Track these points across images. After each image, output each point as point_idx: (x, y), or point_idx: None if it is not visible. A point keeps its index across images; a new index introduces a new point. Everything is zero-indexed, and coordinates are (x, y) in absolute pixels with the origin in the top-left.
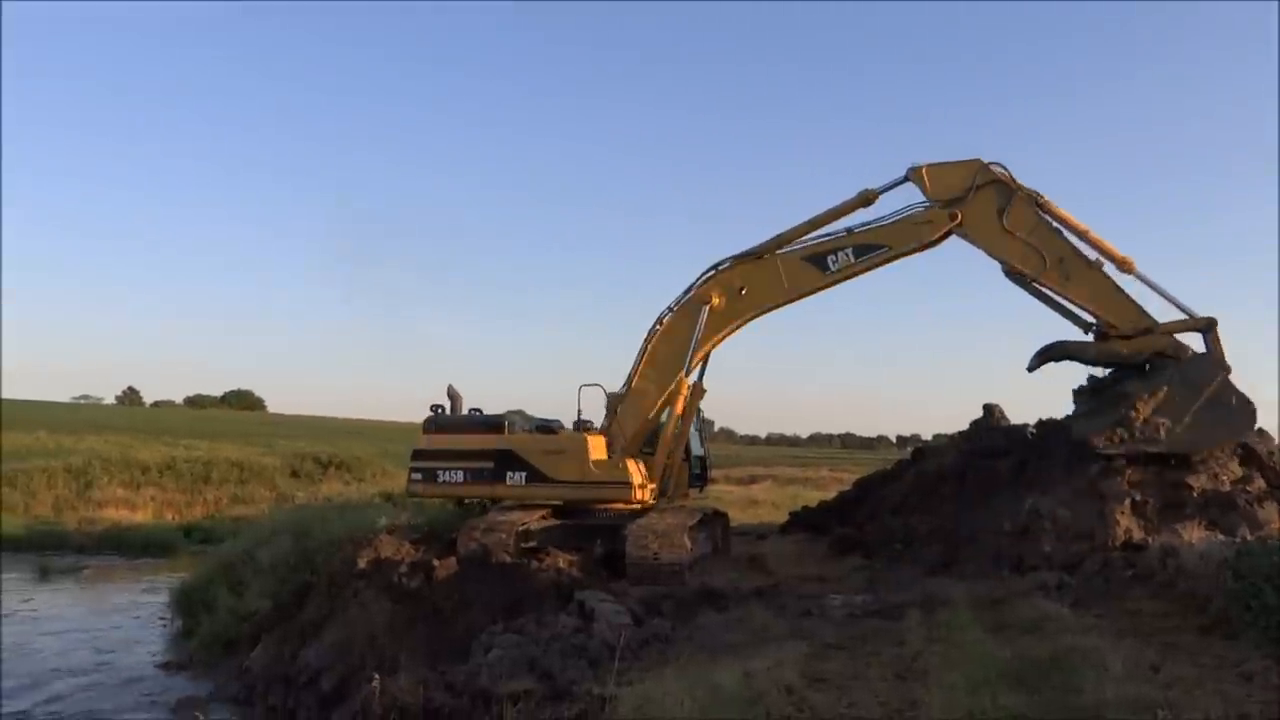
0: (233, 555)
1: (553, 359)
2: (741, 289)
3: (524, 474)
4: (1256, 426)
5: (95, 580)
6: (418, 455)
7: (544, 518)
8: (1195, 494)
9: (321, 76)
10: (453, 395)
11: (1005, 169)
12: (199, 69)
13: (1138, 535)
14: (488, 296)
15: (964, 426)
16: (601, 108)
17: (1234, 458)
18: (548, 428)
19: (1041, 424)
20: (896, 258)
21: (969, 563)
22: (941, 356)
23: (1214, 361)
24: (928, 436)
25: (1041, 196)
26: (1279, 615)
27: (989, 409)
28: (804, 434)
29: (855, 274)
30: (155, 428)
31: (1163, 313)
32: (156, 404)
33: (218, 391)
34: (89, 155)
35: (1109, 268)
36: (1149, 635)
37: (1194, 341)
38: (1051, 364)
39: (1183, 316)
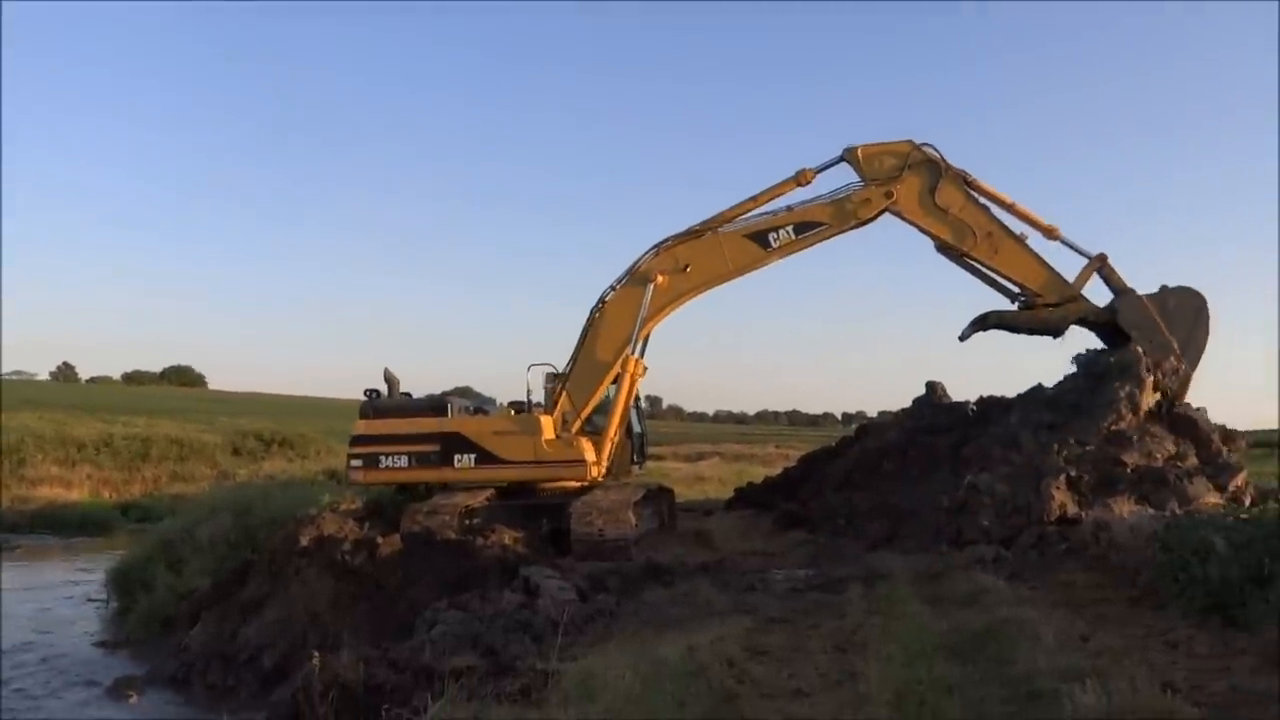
0: (172, 533)
1: (497, 336)
2: (685, 266)
3: (473, 456)
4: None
5: (29, 560)
6: (357, 441)
7: (488, 499)
8: (1129, 470)
9: (263, 45)
10: (389, 379)
11: (936, 149)
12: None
13: (1072, 510)
14: (430, 273)
15: (908, 404)
16: (536, 74)
17: (1169, 435)
18: (481, 409)
19: (982, 401)
20: (835, 234)
21: (909, 537)
22: (887, 334)
23: (1125, 296)
24: (873, 414)
25: (969, 175)
26: (1205, 587)
27: (931, 386)
28: (751, 411)
29: (796, 250)
30: (91, 404)
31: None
32: (93, 380)
33: (157, 368)
34: (14, 127)
35: (1036, 238)
36: (1081, 606)
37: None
38: (982, 333)
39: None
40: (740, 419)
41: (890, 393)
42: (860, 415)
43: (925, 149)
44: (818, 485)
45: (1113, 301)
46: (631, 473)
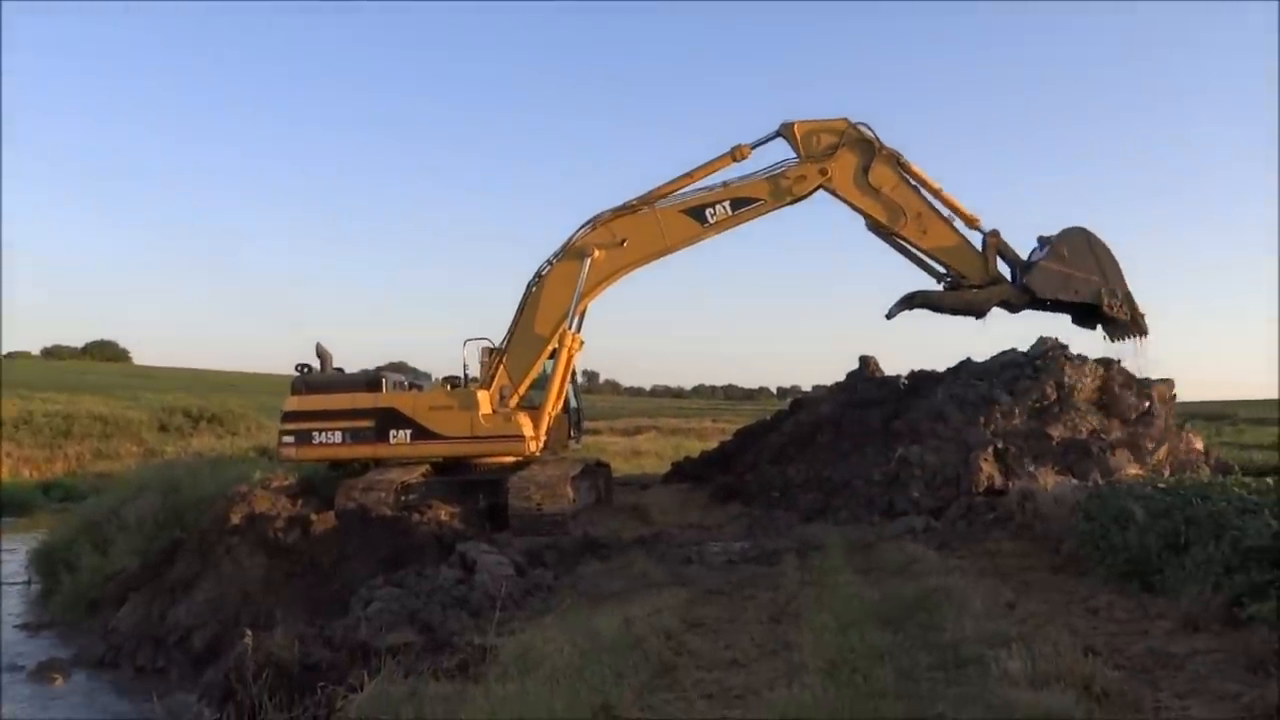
0: (97, 513)
1: (430, 311)
2: (622, 241)
3: (409, 431)
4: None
5: None
6: (289, 418)
7: (424, 475)
8: (1054, 443)
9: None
10: (321, 354)
11: (870, 129)
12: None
13: (999, 481)
14: (360, 245)
15: (841, 378)
16: (480, 44)
17: (1095, 409)
18: (416, 384)
19: (913, 375)
20: (771, 210)
21: (842, 509)
22: (822, 309)
23: (1029, 272)
24: (807, 387)
25: (902, 156)
26: (1125, 554)
27: (864, 360)
28: (688, 385)
29: (733, 225)
30: (9, 380)
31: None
32: (10, 355)
33: (78, 342)
34: None
35: (958, 224)
36: (1007, 574)
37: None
38: (907, 311)
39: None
40: (677, 393)
41: (824, 367)
42: (795, 389)
43: (860, 128)
44: (753, 459)
45: (1021, 281)
46: (568, 447)
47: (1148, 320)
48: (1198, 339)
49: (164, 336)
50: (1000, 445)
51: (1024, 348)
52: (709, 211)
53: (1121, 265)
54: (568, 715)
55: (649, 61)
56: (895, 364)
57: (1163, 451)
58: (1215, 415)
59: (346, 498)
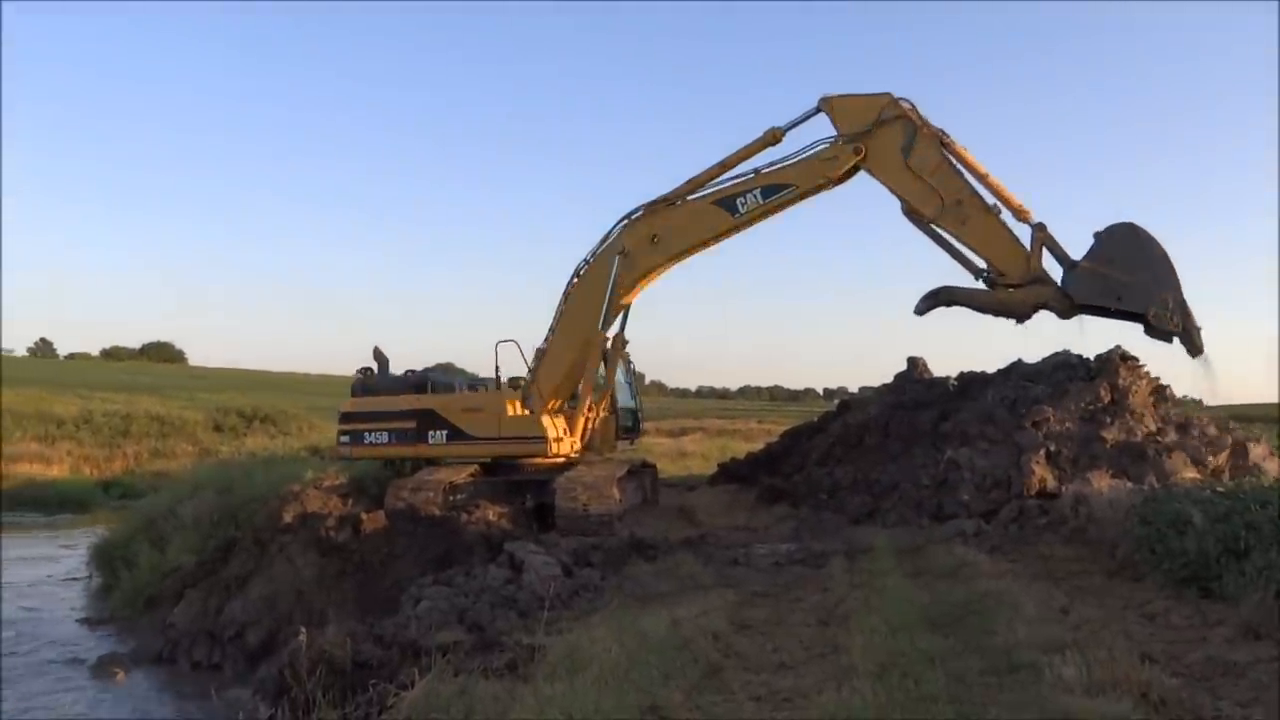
0: (154, 510)
1: (491, 312)
2: (653, 237)
3: (445, 432)
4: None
5: (10, 537)
6: (344, 418)
7: (472, 475)
8: (1109, 445)
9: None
10: (378, 357)
11: (914, 105)
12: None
13: (1051, 484)
14: (423, 248)
15: (889, 379)
16: (525, 49)
17: (1151, 410)
18: (477, 385)
19: (963, 376)
20: (804, 196)
21: (891, 511)
22: (869, 310)
23: (1071, 274)
24: (854, 389)
25: (946, 136)
26: (1182, 559)
27: (913, 362)
28: (733, 387)
29: (765, 215)
30: (70, 380)
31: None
32: (71, 356)
33: (135, 344)
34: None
35: (1005, 216)
36: (1060, 579)
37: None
38: (943, 309)
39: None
40: (723, 394)
41: (872, 368)
42: (842, 391)
43: (903, 104)
44: (800, 460)
45: (1064, 281)
46: (616, 448)
47: (1203, 334)
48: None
49: (218, 338)
50: (1052, 448)
51: (1077, 349)
52: (740, 201)
53: (1177, 269)
54: (616, 715)
55: (701, 53)
56: (944, 365)
57: (1222, 456)
58: (1262, 418)
59: (396, 497)
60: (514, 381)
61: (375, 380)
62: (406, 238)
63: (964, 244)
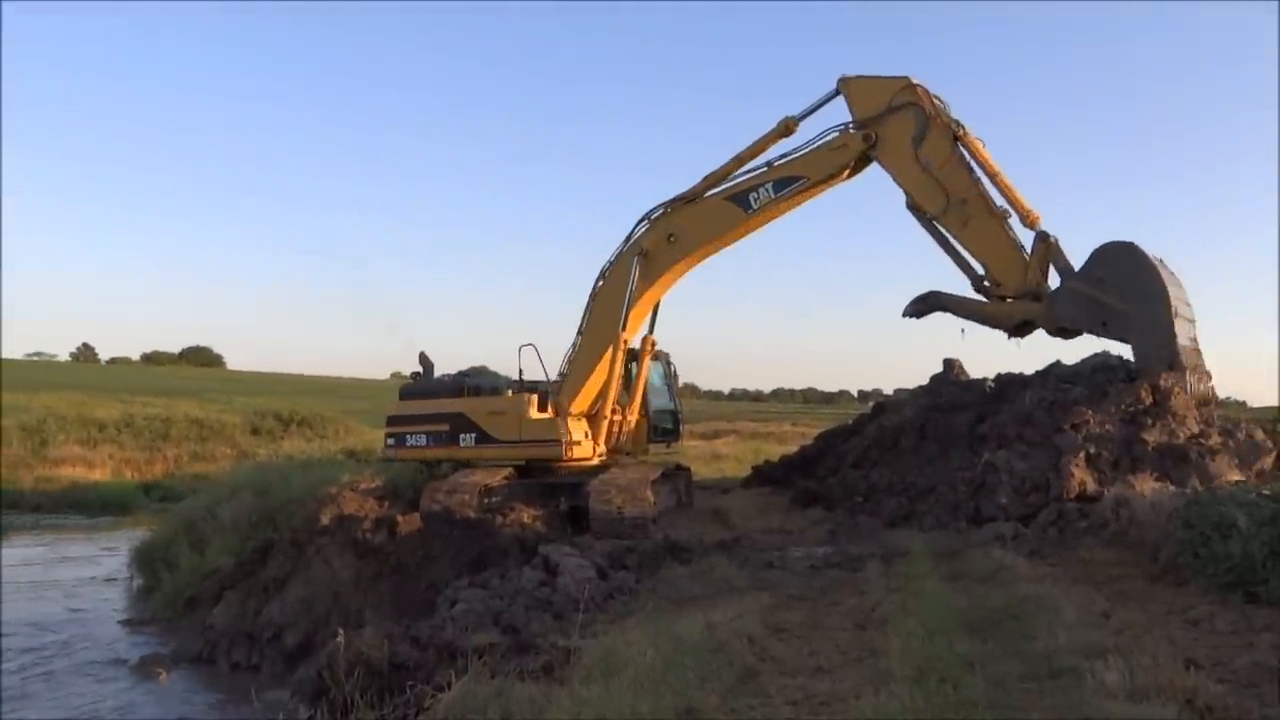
0: (194, 513)
1: (535, 313)
2: (670, 236)
3: (474, 435)
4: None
5: (54, 539)
6: (390, 421)
7: (506, 478)
8: (1150, 447)
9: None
10: (424, 361)
11: (930, 92)
12: (143, 41)
13: (1091, 487)
14: (464, 252)
15: (924, 381)
16: (566, 54)
17: (1194, 411)
18: (492, 387)
19: (1000, 378)
20: (816, 188)
21: (928, 515)
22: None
23: (1055, 292)
24: (889, 391)
25: (961, 129)
26: (1226, 563)
27: (949, 363)
28: (767, 389)
29: (780, 210)
30: (111, 385)
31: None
32: (112, 361)
33: (175, 348)
34: (45, 117)
35: (1014, 221)
36: (1101, 583)
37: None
38: (935, 313)
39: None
40: (756, 397)
41: (906, 370)
42: (876, 393)
43: (920, 89)
44: (835, 463)
45: (1050, 297)
46: (650, 451)
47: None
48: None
49: (255, 342)
50: (1092, 450)
51: (1117, 350)
52: (753, 197)
53: (1177, 295)
54: (651, 718)
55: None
56: (981, 367)
57: (1268, 459)
58: None
59: (431, 500)
60: (519, 384)
61: (417, 384)
62: (445, 241)
63: (964, 246)
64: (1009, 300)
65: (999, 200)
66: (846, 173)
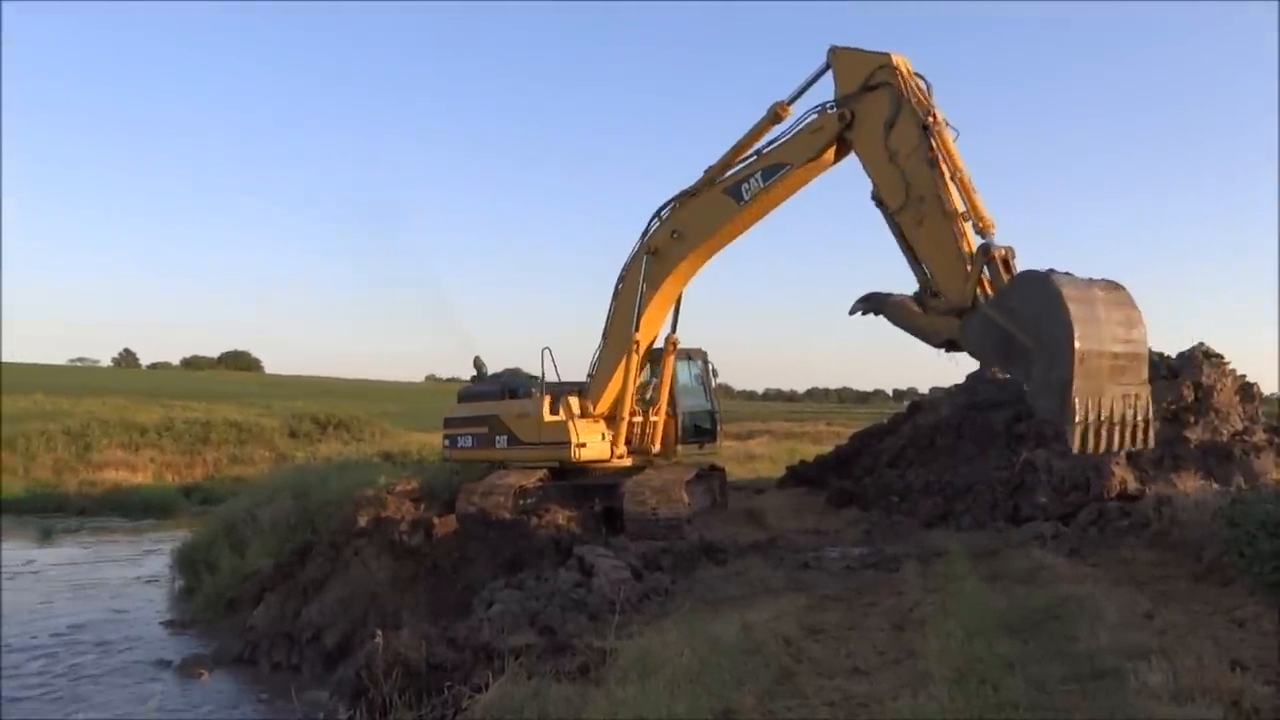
0: (234, 515)
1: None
2: (674, 232)
3: (505, 437)
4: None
5: (97, 541)
6: (446, 423)
7: (541, 479)
8: (1193, 445)
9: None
10: (478, 365)
11: (915, 73)
12: (203, 50)
13: (1133, 486)
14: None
15: (961, 380)
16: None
17: (1238, 408)
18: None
19: None
20: (803, 175)
21: (965, 515)
22: None
23: (967, 318)
24: (924, 390)
25: (932, 117)
26: (1273, 562)
27: None
28: (801, 389)
29: (772, 201)
30: (152, 389)
31: None
32: (153, 366)
33: (214, 353)
34: (86, 123)
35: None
36: (1143, 583)
37: None
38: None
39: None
40: (790, 397)
41: (942, 369)
42: (912, 391)
43: (899, 67)
44: (871, 463)
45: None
46: (679, 452)
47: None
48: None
49: (292, 346)
50: (1134, 449)
51: (1158, 346)
52: (744, 188)
53: (1092, 333)
54: (688, 719)
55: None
56: None
57: None
58: None
59: (467, 501)
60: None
61: (470, 388)
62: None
63: (915, 248)
64: (937, 314)
65: (958, 203)
66: (831, 156)
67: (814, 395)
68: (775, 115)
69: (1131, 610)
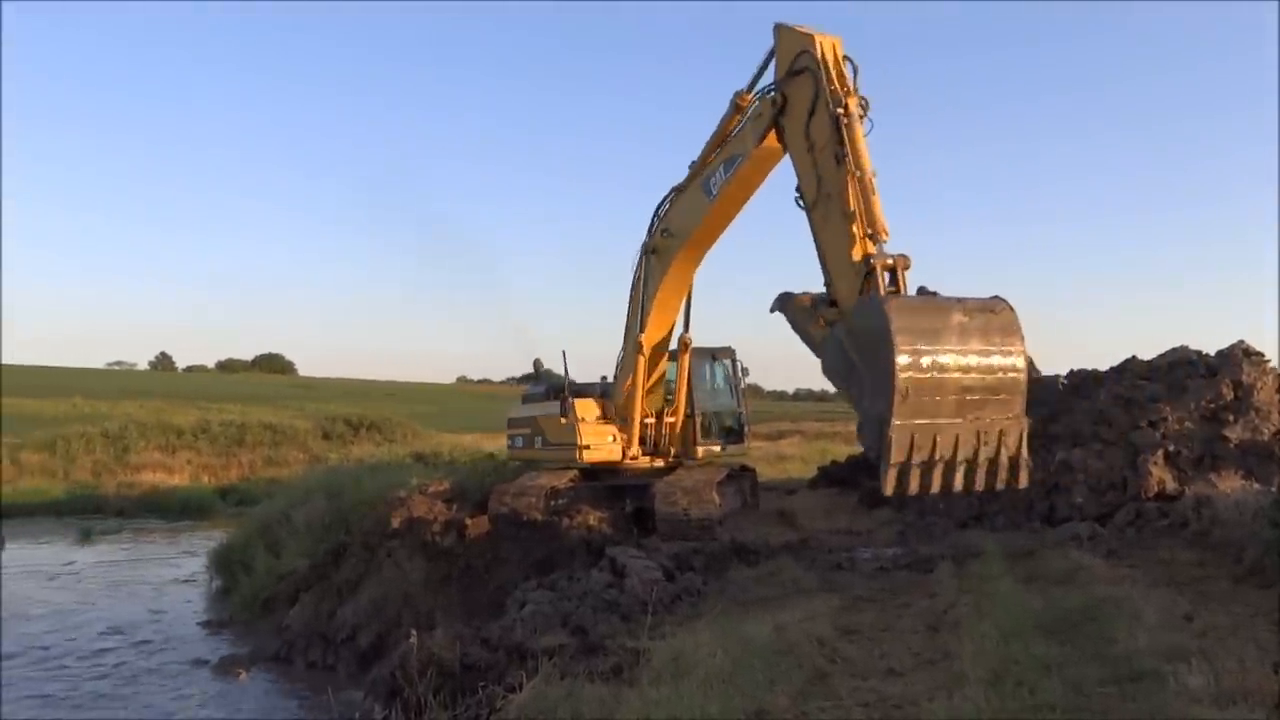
0: (269, 516)
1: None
2: (664, 231)
3: (540, 438)
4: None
5: (136, 542)
6: (508, 423)
7: (572, 480)
8: (1232, 445)
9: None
10: (536, 367)
11: (843, 57)
12: (233, 44)
13: (1171, 485)
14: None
15: None
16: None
17: (1279, 407)
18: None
19: (1073, 374)
20: (757, 165)
21: (999, 515)
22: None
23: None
24: None
25: (847, 110)
26: None
27: None
28: (832, 388)
29: (737, 193)
30: (188, 392)
31: None
32: (189, 369)
33: (248, 356)
34: (115, 124)
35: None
36: (1182, 585)
37: None
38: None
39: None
40: (821, 396)
41: None
42: None
43: (819, 51)
44: None
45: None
46: (699, 453)
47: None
48: None
49: (324, 349)
50: (1171, 448)
51: (1195, 345)
52: (712, 182)
53: (910, 379)
54: (722, 719)
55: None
56: (1053, 363)
57: None
58: None
59: (499, 502)
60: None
61: (529, 391)
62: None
63: (820, 249)
64: (831, 324)
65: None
66: (775, 142)
67: (844, 395)
68: (737, 105)
69: (1171, 612)
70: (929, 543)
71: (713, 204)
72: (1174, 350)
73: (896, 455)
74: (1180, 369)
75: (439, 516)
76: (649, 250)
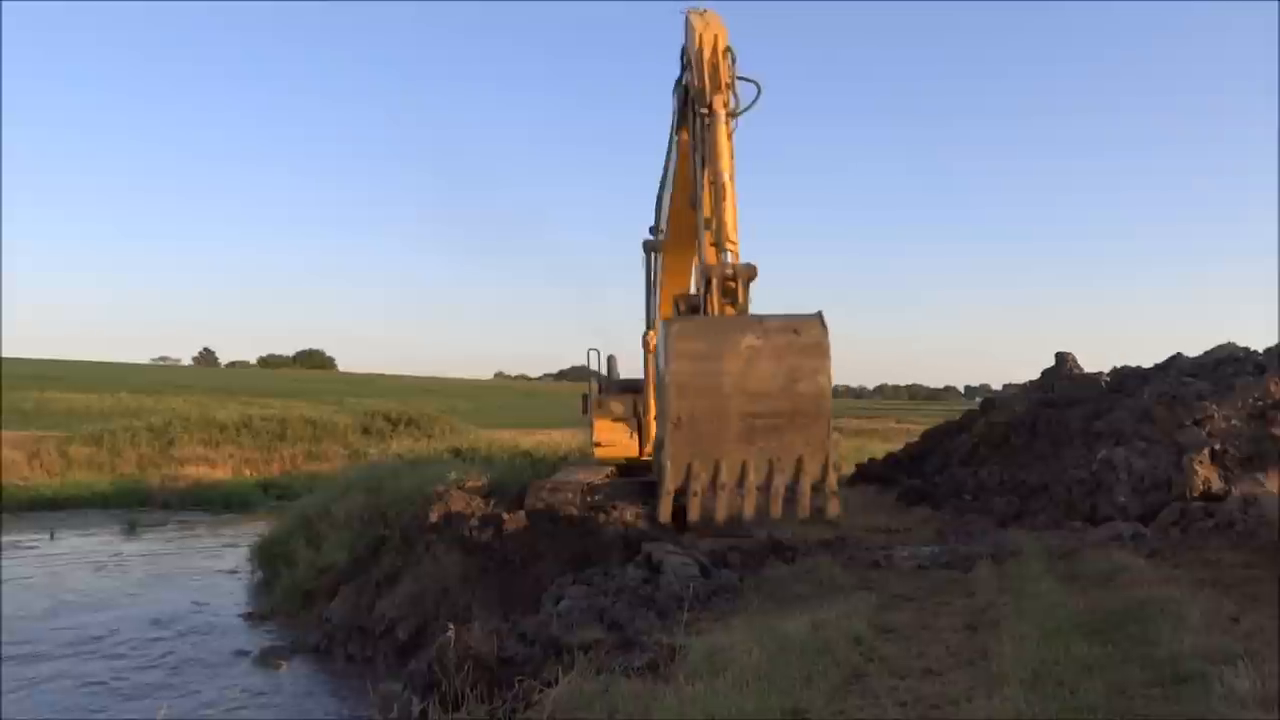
0: (309, 510)
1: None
2: (652, 228)
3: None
4: None
5: (180, 535)
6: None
7: (608, 476)
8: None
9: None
10: (610, 366)
11: (723, 51)
12: (273, 39)
13: (1217, 485)
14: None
15: (1035, 376)
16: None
17: None
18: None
19: (1116, 372)
20: (684, 158)
21: (1040, 514)
22: (1011, 303)
23: None
24: (997, 386)
25: (709, 110)
26: None
27: (1061, 357)
28: (870, 385)
29: (686, 186)
30: (231, 387)
31: None
32: (231, 364)
33: (289, 351)
34: (163, 120)
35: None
36: (1228, 586)
37: None
38: None
39: None
40: (859, 393)
41: (1017, 365)
42: (984, 388)
43: (695, 40)
44: (942, 461)
45: None
46: None
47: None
48: None
49: (363, 344)
50: (1217, 447)
51: (1244, 342)
52: (671, 174)
53: (685, 406)
54: (757, 717)
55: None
56: (1095, 361)
57: None
58: None
59: (536, 498)
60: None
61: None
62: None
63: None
64: None
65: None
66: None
67: (884, 392)
68: (685, 93)
69: (1216, 613)
70: (968, 541)
71: (672, 196)
72: (1220, 347)
73: (670, 483)
74: (1227, 366)
75: (476, 511)
76: (650, 248)
